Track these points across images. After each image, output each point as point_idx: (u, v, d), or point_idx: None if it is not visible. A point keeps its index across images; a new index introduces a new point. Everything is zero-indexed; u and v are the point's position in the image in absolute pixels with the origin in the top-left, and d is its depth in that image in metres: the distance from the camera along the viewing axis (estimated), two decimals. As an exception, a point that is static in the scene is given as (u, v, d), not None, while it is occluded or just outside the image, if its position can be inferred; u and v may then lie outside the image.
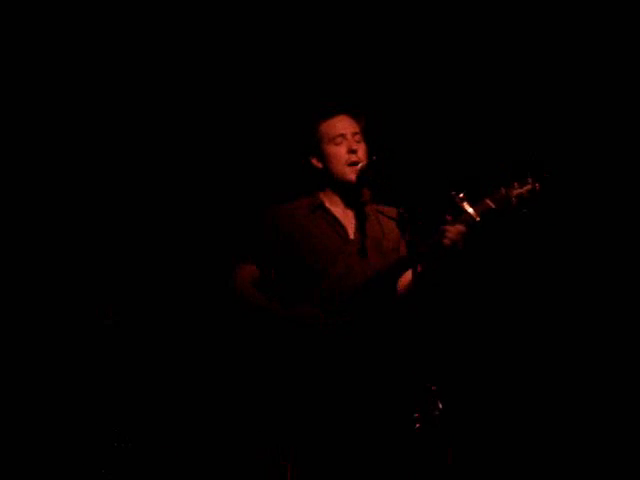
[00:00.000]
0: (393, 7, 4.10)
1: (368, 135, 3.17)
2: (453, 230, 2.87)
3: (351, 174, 3.06)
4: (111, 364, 3.88)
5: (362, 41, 4.12)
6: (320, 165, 3.15)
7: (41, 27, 3.91)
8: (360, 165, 3.04)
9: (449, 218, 2.89)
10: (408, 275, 2.95)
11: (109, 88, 4.01)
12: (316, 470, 2.91)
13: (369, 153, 3.10)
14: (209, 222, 4.02)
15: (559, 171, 3.57)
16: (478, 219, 2.89)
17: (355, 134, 3.11)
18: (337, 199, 3.17)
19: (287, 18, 4.09)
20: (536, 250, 4.07)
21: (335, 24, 4.10)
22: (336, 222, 3.15)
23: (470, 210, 2.89)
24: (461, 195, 2.89)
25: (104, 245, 4.00)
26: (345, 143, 3.10)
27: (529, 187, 2.91)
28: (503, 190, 2.91)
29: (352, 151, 3.07)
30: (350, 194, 3.14)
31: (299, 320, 3.00)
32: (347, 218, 3.15)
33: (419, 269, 2.87)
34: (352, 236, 3.13)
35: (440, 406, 2.68)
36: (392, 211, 3.13)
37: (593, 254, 4.03)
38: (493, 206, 2.90)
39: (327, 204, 3.17)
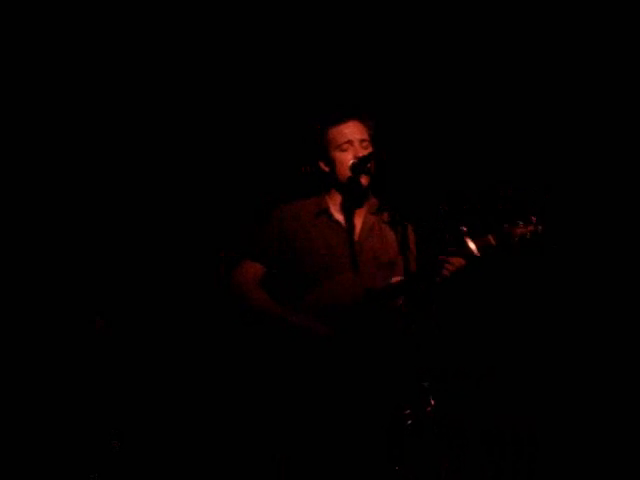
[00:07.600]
0: (411, 18, 4.09)
1: (376, 141, 3.20)
2: (453, 262, 2.99)
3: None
4: (105, 368, 3.85)
5: (375, 48, 4.16)
6: (327, 169, 3.21)
7: (41, 27, 3.87)
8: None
9: (451, 250, 2.99)
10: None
11: (116, 88, 3.98)
12: (309, 469, 2.96)
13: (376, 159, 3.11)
14: (206, 224, 4.06)
15: (563, 213, 3.61)
16: (478, 254, 2.99)
17: (363, 141, 3.15)
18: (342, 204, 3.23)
19: (300, 23, 4.06)
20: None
21: (348, 31, 4.06)
22: (339, 228, 3.20)
23: (472, 245, 2.98)
24: (464, 229, 2.99)
25: (96, 248, 3.97)
26: (352, 149, 3.13)
27: (532, 228, 2.98)
28: (506, 228, 2.99)
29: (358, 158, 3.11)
30: (355, 200, 3.20)
31: (294, 328, 3.07)
32: (350, 225, 3.19)
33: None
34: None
35: (432, 402, 2.80)
36: None
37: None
38: (494, 243, 2.99)
39: (332, 209, 3.23)
